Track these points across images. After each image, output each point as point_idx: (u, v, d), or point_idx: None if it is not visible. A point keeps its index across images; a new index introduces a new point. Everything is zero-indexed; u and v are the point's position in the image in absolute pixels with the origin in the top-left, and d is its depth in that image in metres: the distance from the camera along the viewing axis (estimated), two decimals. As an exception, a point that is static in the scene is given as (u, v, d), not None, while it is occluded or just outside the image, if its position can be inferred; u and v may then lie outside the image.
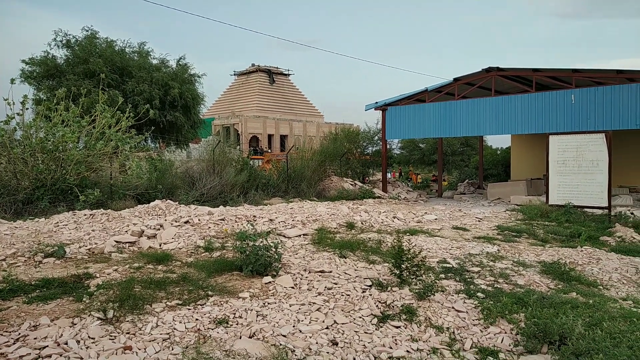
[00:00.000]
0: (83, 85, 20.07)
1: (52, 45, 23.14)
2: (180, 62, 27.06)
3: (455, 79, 19.57)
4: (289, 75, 62.52)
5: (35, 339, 3.96)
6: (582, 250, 8.62)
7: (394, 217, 11.76)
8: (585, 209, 13.13)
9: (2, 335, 3.98)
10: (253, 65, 59.86)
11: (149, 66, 24.84)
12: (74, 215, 9.10)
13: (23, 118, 12.69)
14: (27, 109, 12.89)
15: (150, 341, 4.07)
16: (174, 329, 4.37)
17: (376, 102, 21.73)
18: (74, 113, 13.23)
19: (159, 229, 8.12)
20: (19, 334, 4.03)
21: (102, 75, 16.53)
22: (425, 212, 13.04)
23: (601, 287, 6.75)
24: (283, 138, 54.83)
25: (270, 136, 53.92)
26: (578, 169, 13.12)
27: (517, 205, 16.62)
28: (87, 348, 3.87)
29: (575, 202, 13.02)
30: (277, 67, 60.92)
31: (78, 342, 3.97)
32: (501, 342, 4.79)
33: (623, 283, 7.01)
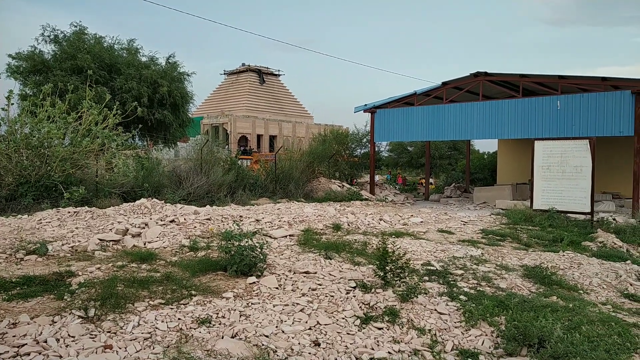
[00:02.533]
0: (70, 81, 19.87)
1: (40, 41, 22.90)
2: (169, 60, 26.92)
3: (444, 83, 19.73)
4: (279, 75, 62.50)
5: (14, 336, 3.92)
6: (564, 255, 8.74)
7: (380, 220, 11.82)
8: (569, 214, 13.31)
9: (-20, 332, 3.93)
10: (243, 64, 59.73)
11: (138, 63, 24.66)
12: (58, 212, 9.00)
13: (8, 113, 12.54)
14: (12, 104, 12.75)
15: (131, 340, 4.05)
16: (156, 328, 4.35)
17: (365, 105, 21.83)
18: (60, 109, 13.10)
19: (143, 228, 8.07)
20: (-2, 331, 3.99)
21: (90, 72, 16.38)
22: (412, 215, 13.12)
23: (581, 292, 6.86)
24: (272, 138, 54.76)
25: (259, 136, 53.82)
26: (562, 175, 13.30)
27: (502, 209, 16.80)
28: (66, 346, 3.84)
29: (559, 207, 13.19)
30: (267, 67, 60.87)
31: (58, 340, 3.94)
32: (482, 344, 4.84)
33: (603, 288, 7.13)
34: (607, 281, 7.38)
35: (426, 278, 6.78)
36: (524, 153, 22.21)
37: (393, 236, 9.73)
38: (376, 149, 24.91)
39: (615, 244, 10.29)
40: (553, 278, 7.12)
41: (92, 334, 4.12)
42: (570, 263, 8.21)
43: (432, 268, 7.33)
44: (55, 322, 4.28)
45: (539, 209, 13.55)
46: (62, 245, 6.94)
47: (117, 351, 3.83)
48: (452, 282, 6.67)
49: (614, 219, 13.29)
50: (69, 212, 8.94)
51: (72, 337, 4.02)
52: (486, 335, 5.02)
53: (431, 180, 32.95)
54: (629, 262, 8.52)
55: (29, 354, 3.63)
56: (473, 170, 29.86)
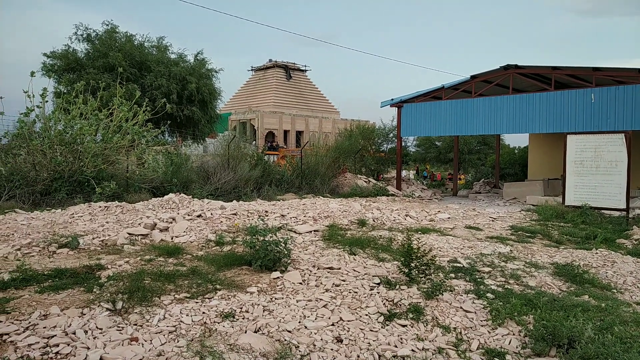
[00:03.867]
0: (102, 78, 20.36)
1: (73, 39, 23.51)
2: (198, 57, 27.23)
3: (473, 77, 19.33)
4: (305, 71, 62.55)
5: (44, 328, 4.05)
6: (596, 253, 8.47)
7: (407, 215, 11.70)
8: (603, 211, 12.88)
9: (12, 323, 4.07)
10: (270, 60, 60.02)
11: (167, 60, 25.06)
12: (89, 207, 9.25)
13: (43, 110, 12.93)
14: (46, 101, 13.13)
15: (156, 333, 4.12)
16: (181, 321, 4.41)
17: (392, 99, 21.60)
18: (92, 106, 13.43)
19: (171, 222, 8.22)
20: (29, 322, 4.12)
21: (120, 69, 16.72)
22: (439, 211, 12.94)
23: (615, 291, 6.63)
24: (299, 134, 54.90)
25: (286, 132, 54.04)
26: (596, 170, 12.87)
27: (532, 205, 16.39)
28: (94, 338, 3.94)
29: (593, 204, 12.78)
30: (294, 63, 60.98)
31: (86, 332, 4.04)
32: (509, 343, 4.73)
33: (638, 287, 6.86)
34: (642, 280, 7.10)
35: (452, 275, 6.67)
36: (556, 148, 21.57)
37: (419, 232, 9.61)
38: (403, 144, 24.65)
39: (652, 241, 9.90)
40: (585, 276, 6.90)
41: (119, 327, 4.21)
42: (603, 261, 7.94)
43: (458, 265, 7.20)
44: (84, 314, 4.39)
45: (571, 205, 13.17)
46: (93, 239, 7.13)
47: (142, 344, 3.90)
48: (479, 280, 6.54)
49: (651, 216, 12.80)
50: (100, 207, 9.17)
51: (100, 329, 4.12)
52: (513, 334, 4.90)
53: (461, 175, 32.49)
54: (666, 260, 8.18)
55: (57, 345, 3.74)
56: (503, 165, 29.22)
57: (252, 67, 62.05)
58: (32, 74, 13.46)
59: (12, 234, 7.19)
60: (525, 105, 17.77)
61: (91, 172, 12.30)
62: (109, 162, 13.11)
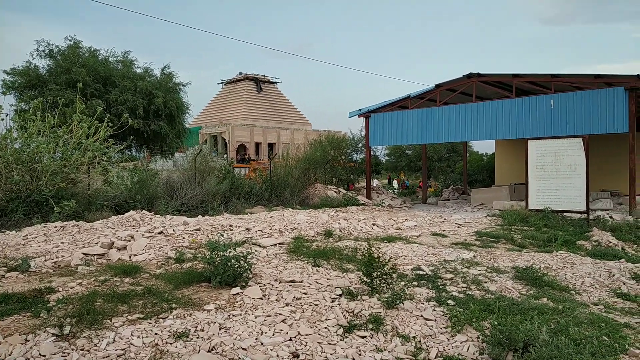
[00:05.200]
0: (65, 95, 19.89)
1: (35, 55, 22.99)
2: (164, 71, 26.99)
3: (437, 85, 19.68)
4: (276, 83, 62.63)
5: (-17, 357, 3.84)
6: (557, 255, 8.63)
7: (374, 225, 11.72)
8: (565, 214, 13.19)
9: (-51, 354, 3.85)
10: (240, 73, 59.88)
11: (132, 75, 24.73)
12: (45, 227, 8.93)
13: (-1, 129, 12.50)
14: (2, 119, 12.71)
15: (103, 358, 3.97)
16: (131, 344, 4.26)
17: (359, 109, 21.78)
18: (49, 123, 13.06)
19: (129, 240, 8.00)
20: (-33, 352, 3.91)
21: (79, 85, 16.36)
22: (406, 219, 13.02)
23: (573, 292, 6.75)
24: (271, 146, 54.74)
25: (257, 144, 53.82)
26: (556, 174, 13.19)
27: (499, 210, 16.68)
28: (35, 366, 3.75)
29: (554, 207, 13.08)
30: (264, 75, 61.00)
31: (27, 360, 3.85)
32: (467, 350, 4.74)
33: (595, 287, 7.01)
34: (600, 281, 7.27)
35: (415, 283, 6.68)
36: (521, 153, 22.05)
37: (385, 241, 9.64)
38: (373, 154, 24.83)
39: (610, 242, 10.17)
40: (544, 279, 7.01)
41: (64, 353, 4.04)
42: (563, 263, 8.10)
43: (421, 272, 7.22)
44: (28, 341, 4.19)
45: (534, 209, 13.44)
46: (45, 261, 6.86)
47: (87, 369, 3.74)
48: (441, 287, 6.56)
49: (611, 217, 13.18)
50: (56, 227, 8.87)
51: (44, 356, 3.94)
52: (472, 340, 4.92)
53: (431, 183, 32.91)
54: (623, 260, 8.40)
55: (-5, 375, 3.55)
56: (471, 171, 29.75)
57: (222, 80, 61.87)
58: (-13, 91, 13.02)
59: (-40, 259, 6.86)
60: (489, 112, 18.16)
61: (49, 190, 11.91)
62: (68, 180, 12.73)
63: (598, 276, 7.43)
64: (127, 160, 19.06)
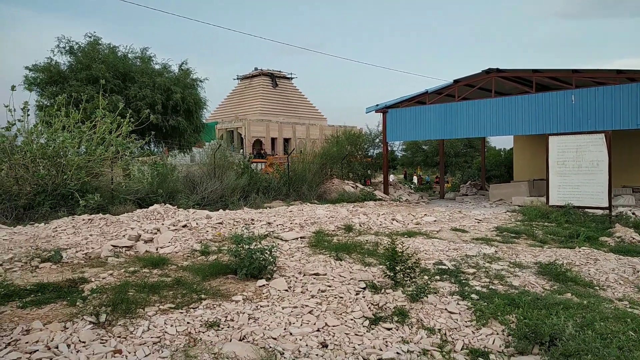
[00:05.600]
0: (86, 91, 20.22)
1: (56, 52, 23.33)
2: (182, 67, 27.20)
3: (455, 81, 19.57)
4: (291, 78, 62.70)
5: (26, 343, 4.01)
6: (580, 251, 8.60)
7: (393, 219, 11.76)
8: (586, 210, 13.08)
9: (-6, 339, 4.02)
10: (256, 69, 60.08)
11: (151, 71, 24.99)
12: (73, 220, 9.16)
13: (24, 124, 12.81)
14: (28, 115, 13.01)
15: (140, 344, 4.11)
16: (165, 332, 4.40)
17: (377, 105, 21.75)
18: (74, 119, 13.34)
19: (156, 233, 8.17)
20: (11, 338, 4.07)
21: (102, 81, 16.64)
22: (425, 214, 13.03)
23: (597, 288, 6.74)
24: (286, 141, 54.94)
25: (273, 139, 54.05)
26: (578, 170, 13.08)
27: (518, 206, 16.57)
28: (77, 352, 3.91)
29: (576, 203, 12.98)
30: (280, 71, 61.11)
31: (69, 345, 4.01)
32: (492, 343, 4.79)
33: (620, 283, 6.99)
34: (624, 277, 7.23)
35: (437, 277, 6.72)
36: (540, 149, 21.86)
37: (405, 236, 9.68)
38: (390, 149, 24.78)
39: (633, 238, 10.08)
40: (568, 275, 7.00)
41: (102, 339, 4.19)
42: (586, 259, 8.06)
43: (443, 267, 7.27)
44: (67, 328, 4.36)
45: (555, 205, 13.35)
46: (76, 252, 7.06)
47: (126, 356, 3.89)
48: (464, 281, 6.61)
49: (634, 213, 13.03)
50: (84, 220, 9.09)
51: (83, 342, 4.09)
52: (497, 334, 4.96)
53: (448, 178, 32.78)
54: (647, 257, 8.33)
55: (40, 360, 3.71)
56: (489, 167, 29.52)
57: (238, 75, 62.13)
58: (13, 88, 13.34)
59: (-6, 250, 7.09)
60: (508, 107, 18.01)
61: (75, 184, 12.19)
62: (92, 174, 13.00)
63: (622, 272, 7.40)
64: (147, 155, 19.33)
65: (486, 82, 19.04)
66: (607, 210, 12.65)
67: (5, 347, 3.91)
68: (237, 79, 62.11)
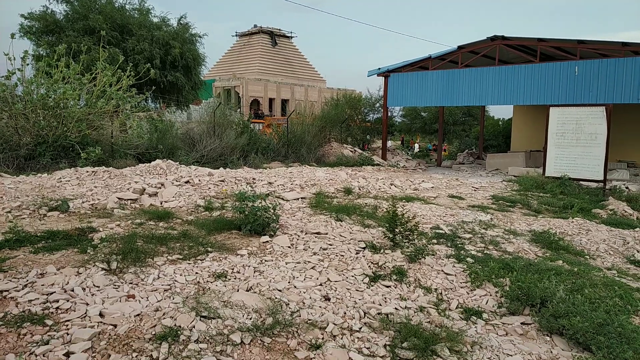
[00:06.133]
0: (83, 42, 19.85)
1: (51, 0, 22.74)
2: (181, 22, 26.61)
3: (460, 47, 19.38)
4: (291, 37, 61.52)
5: (42, 285, 4.17)
6: (573, 222, 8.83)
7: (391, 184, 11.93)
8: (581, 182, 13.29)
9: (10, 281, 4.18)
10: (255, 26, 58.80)
11: (149, 24, 24.46)
12: (77, 172, 9.24)
13: (24, 74, 12.67)
14: (27, 64, 12.85)
15: (152, 291, 4.29)
16: (175, 280, 4.58)
17: (379, 68, 21.57)
18: (74, 70, 13.19)
19: (160, 188, 8.29)
20: (27, 280, 4.24)
21: (103, 33, 16.35)
22: (423, 181, 13.20)
23: (588, 257, 6.98)
24: (284, 102, 54.49)
25: (271, 100, 53.56)
26: (576, 142, 13.20)
27: (514, 176, 16.78)
28: (92, 295, 4.08)
29: (572, 175, 13.17)
30: (279, 29, 59.87)
31: (84, 289, 4.18)
32: (486, 303, 5.02)
33: (610, 254, 7.24)
34: (614, 247, 7.48)
35: (434, 241, 6.93)
36: (539, 120, 21.93)
37: (403, 200, 9.85)
38: (389, 114, 24.75)
39: (625, 211, 10.33)
40: (560, 243, 7.24)
41: (115, 285, 4.36)
42: (578, 229, 8.30)
43: (440, 232, 7.47)
44: (80, 274, 4.52)
45: (551, 176, 13.54)
46: (83, 202, 7.19)
47: (139, 300, 4.07)
48: (460, 245, 6.82)
49: (627, 188, 13.26)
50: (87, 172, 9.18)
51: (97, 286, 4.27)
52: (490, 295, 5.19)
53: (444, 146, 32.88)
54: (637, 229, 8.59)
55: (57, 301, 3.88)
56: (487, 137, 29.60)
57: (236, 32, 60.78)
58: (12, 35, 13.16)
59: (1, 197, 7.20)
60: (510, 76, 17.95)
61: (75, 137, 12.20)
62: (93, 127, 12.99)
63: (612, 243, 7.65)
64: (146, 111, 19.20)
65: (490, 49, 18.87)
66: (602, 184, 12.86)
67: (23, 289, 4.07)
68: (236, 35, 60.88)
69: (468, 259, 6.19)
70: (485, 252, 6.62)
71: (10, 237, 5.28)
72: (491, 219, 8.73)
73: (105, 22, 21.77)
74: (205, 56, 27.45)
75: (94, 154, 11.53)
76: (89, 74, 13.48)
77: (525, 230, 8.01)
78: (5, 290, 3.97)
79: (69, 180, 8.54)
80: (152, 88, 19.31)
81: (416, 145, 35.94)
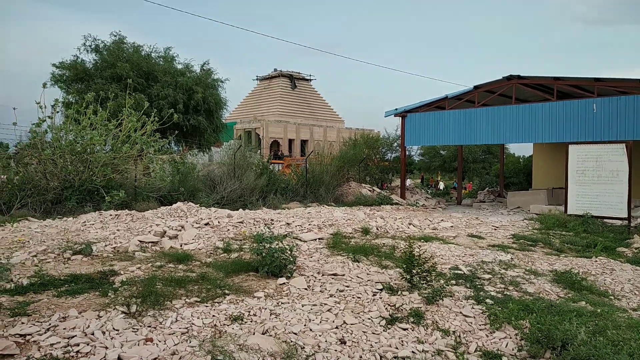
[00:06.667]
0: (110, 89, 20.75)
1: (82, 50, 23.95)
2: (204, 67, 27.65)
3: (476, 87, 19.59)
4: (310, 80, 63.03)
5: (64, 329, 4.28)
6: (596, 261, 8.63)
7: (410, 224, 11.89)
8: (605, 220, 13.03)
9: (34, 325, 4.31)
10: (275, 70, 60.55)
11: (173, 71, 25.47)
12: (100, 215, 9.52)
13: (53, 121, 13.28)
14: (57, 112, 13.48)
15: (170, 334, 4.35)
16: (192, 324, 4.64)
17: (396, 109, 21.87)
18: (102, 117, 13.76)
19: (180, 230, 8.46)
20: (50, 324, 4.36)
21: (129, 80, 17.08)
22: (442, 220, 13.13)
23: (612, 297, 6.79)
24: (304, 143, 55.25)
25: (290, 141, 54.40)
26: (598, 179, 13.04)
27: (536, 214, 16.54)
28: (111, 338, 4.17)
29: (594, 213, 12.94)
30: (298, 72, 61.50)
31: (104, 332, 4.27)
32: (505, 346, 4.92)
33: (635, 294, 7.03)
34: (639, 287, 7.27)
35: (453, 282, 6.86)
36: (560, 157, 21.71)
37: (422, 240, 9.81)
38: (407, 153, 24.87)
39: (651, 250, 10.04)
40: (583, 283, 7.08)
41: (134, 328, 4.44)
42: (602, 269, 8.11)
43: (459, 272, 7.40)
44: (101, 317, 4.63)
45: (573, 214, 13.32)
46: (105, 246, 7.38)
47: (157, 344, 4.13)
48: (479, 286, 6.73)
49: (653, 225, 12.93)
50: (111, 215, 9.44)
51: (117, 330, 4.35)
52: (510, 337, 5.09)
53: (466, 184, 32.70)
54: (664, 268, 8.33)
55: (78, 345, 3.97)
56: (507, 174, 29.38)
57: (257, 76, 62.66)
58: (45, 85, 13.84)
59: (28, 242, 7.45)
60: (528, 115, 17.98)
61: (100, 181, 12.59)
62: (117, 171, 13.41)
63: (638, 283, 7.43)
64: (169, 154, 19.75)
65: (507, 88, 19.02)
66: (626, 221, 12.59)
67: (45, 332, 4.19)
68: (257, 79, 62.69)
69: (487, 300, 6.10)
70: (505, 293, 6.52)
71: (35, 281, 5.46)
72: (511, 258, 8.60)
73: (132, 70, 22.77)
74: (226, 100, 28.32)
75: (117, 197, 11.86)
76: (115, 120, 14.05)
77: (547, 270, 7.86)
78: (29, 334, 4.10)
79: (93, 224, 8.80)
80: (175, 132, 19.92)
81: (441, 184, 35.85)
